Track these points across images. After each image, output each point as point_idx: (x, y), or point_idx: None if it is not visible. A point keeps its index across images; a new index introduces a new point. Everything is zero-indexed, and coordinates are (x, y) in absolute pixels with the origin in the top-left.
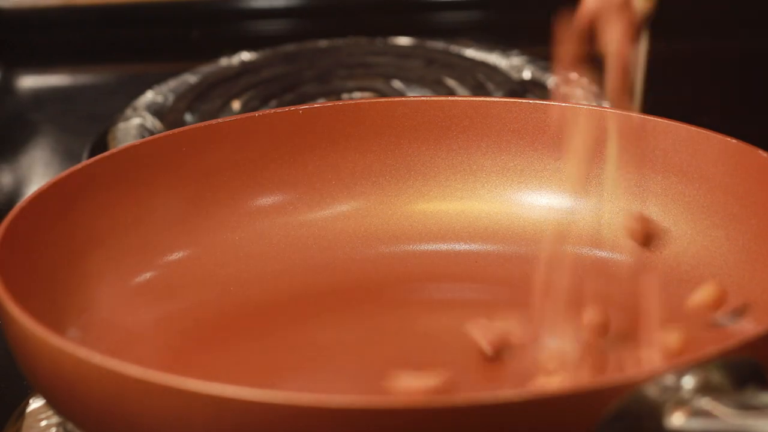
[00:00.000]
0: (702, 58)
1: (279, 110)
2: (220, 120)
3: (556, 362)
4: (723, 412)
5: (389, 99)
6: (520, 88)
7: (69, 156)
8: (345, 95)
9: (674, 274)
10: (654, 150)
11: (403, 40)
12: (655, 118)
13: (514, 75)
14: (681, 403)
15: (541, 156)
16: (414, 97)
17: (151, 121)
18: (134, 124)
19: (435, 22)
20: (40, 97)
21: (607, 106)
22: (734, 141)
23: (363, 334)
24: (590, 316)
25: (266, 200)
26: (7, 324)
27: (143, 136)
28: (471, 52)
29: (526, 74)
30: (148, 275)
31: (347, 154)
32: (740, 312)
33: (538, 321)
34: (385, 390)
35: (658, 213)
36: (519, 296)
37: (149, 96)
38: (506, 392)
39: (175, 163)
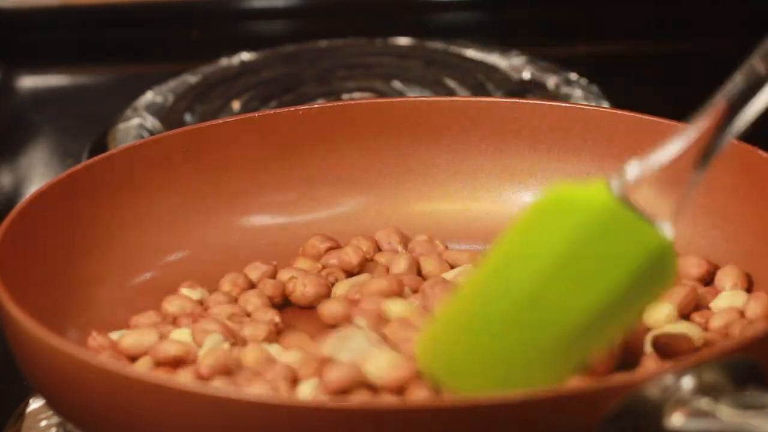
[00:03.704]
0: (702, 58)
1: (279, 110)
2: (220, 120)
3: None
4: (722, 412)
5: (389, 99)
6: (520, 88)
7: (69, 156)
8: (345, 95)
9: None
10: (654, 150)
11: (403, 40)
12: (655, 118)
13: (514, 75)
14: (681, 404)
15: (541, 156)
16: (414, 97)
17: (151, 121)
18: (134, 124)
19: (435, 22)
20: (40, 97)
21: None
22: (734, 141)
23: None
24: None
25: (266, 200)
26: (7, 324)
27: (143, 136)
28: (471, 53)
29: (526, 74)
30: (148, 275)
31: (347, 154)
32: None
33: None
34: None
35: None
36: None
37: (149, 96)
38: (507, 392)
39: (175, 163)
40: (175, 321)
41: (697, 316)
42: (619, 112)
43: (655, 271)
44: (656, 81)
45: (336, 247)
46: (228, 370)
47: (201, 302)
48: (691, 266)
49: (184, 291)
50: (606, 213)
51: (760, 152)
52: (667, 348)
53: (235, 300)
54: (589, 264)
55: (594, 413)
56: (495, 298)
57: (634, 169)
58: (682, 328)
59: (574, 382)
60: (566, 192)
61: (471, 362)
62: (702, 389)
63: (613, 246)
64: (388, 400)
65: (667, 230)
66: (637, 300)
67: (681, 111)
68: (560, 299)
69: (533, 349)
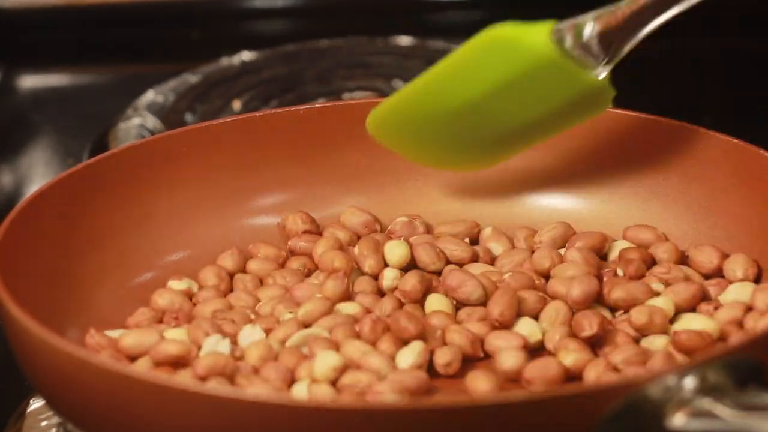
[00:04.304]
0: (702, 58)
1: (279, 110)
2: (220, 120)
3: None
4: (724, 412)
5: None
6: None
7: (69, 156)
8: (346, 95)
9: None
10: (654, 150)
11: (404, 40)
12: (655, 118)
13: None
14: (682, 404)
15: (541, 156)
16: None
17: (151, 121)
18: (134, 124)
19: (435, 21)
20: (40, 97)
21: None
22: (734, 141)
23: None
24: None
25: (266, 200)
26: (7, 324)
27: (143, 136)
28: None
29: None
30: (148, 275)
31: (347, 154)
32: None
33: None
34: None
35: (659, 213)
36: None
37: (149, 96)
38: (507, 392)
39: (175, 163)
40: (165, 317)
41: (703, 306)
42: (619, 112)
43: (583, 105)
44: (656, 81)
45: (315, 232)
46: (225, 371)
47: (189, 294)
48: (705, 260)
49: (171, 284)
50: (543, 60)
51: (761, 152)
52: (687, 343)
53: (223, 294)
54: (520, 98)
55: (594, 413)
56: (438, 98)
57: (584, 17)
58: (700, 323)
59: (574, 383)
60: (510, 32)
61: (415, 138)
62: (704, 389)
63: (545, 88)
64: (388, 400)
65: (602, 74)
66: (564, 121)
67: (681, 111)
68: (491, 115)
69: (467, 139)
